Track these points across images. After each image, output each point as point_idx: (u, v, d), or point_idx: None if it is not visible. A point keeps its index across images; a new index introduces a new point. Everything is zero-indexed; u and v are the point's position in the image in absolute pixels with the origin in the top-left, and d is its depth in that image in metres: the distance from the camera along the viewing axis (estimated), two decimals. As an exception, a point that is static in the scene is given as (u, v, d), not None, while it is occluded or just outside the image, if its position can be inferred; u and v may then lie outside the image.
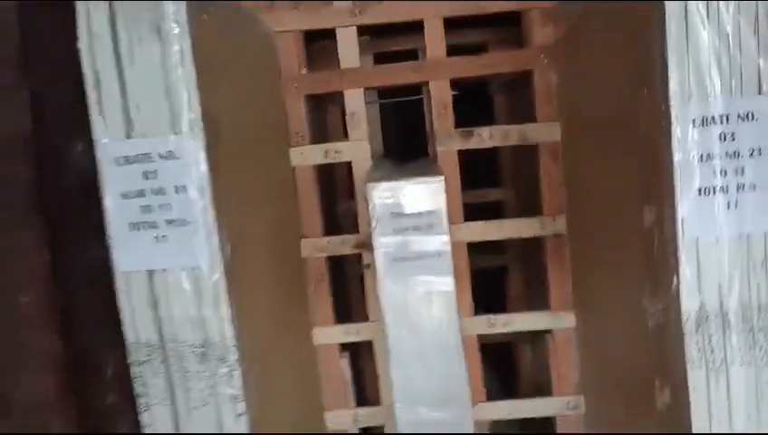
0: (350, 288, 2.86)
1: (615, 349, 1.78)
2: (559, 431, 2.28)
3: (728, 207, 1.21)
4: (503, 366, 3.08)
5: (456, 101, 2.15)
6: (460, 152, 2.12)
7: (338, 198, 2.93)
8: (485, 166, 3.04)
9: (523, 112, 2.30)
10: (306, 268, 2.17)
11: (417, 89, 2.52)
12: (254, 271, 1.51)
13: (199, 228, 1.26)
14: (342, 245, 2.16)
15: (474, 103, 2.72)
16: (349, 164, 2.16)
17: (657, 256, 1.32)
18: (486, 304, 2.33)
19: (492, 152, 3.01)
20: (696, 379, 1.27)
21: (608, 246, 1.72)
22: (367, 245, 2.12)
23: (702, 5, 1.14)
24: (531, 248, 2.77)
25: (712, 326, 1.24)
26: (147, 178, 1.26)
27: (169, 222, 1.27)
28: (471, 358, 2.14)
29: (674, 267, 1.23)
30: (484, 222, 2.16)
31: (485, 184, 3.05)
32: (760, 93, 1.19)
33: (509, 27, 2.28)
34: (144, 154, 1.25)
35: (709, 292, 1.24)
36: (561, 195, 2.10)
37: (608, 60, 1.52)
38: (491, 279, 2.92)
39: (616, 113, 1.51)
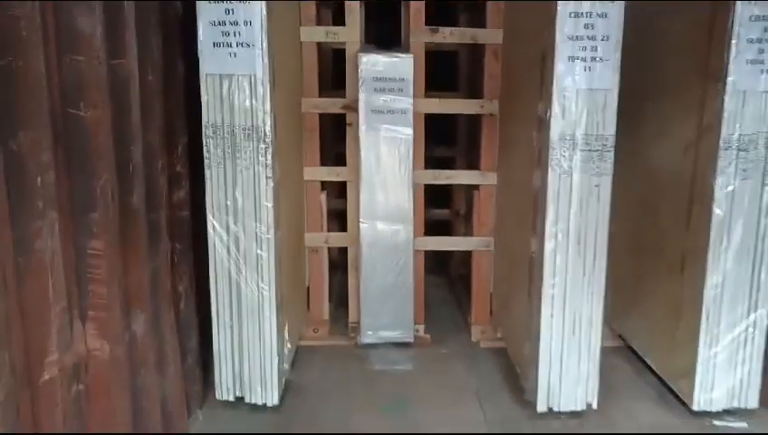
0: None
1: (515, 197, 2.57)
2: (474, 266, 3.09)
3: (585, 70, 2.00)
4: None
5: (431, 13, 2.85)
6: (430, 63, 2.84)
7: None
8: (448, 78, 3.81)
9: (476, 22, 3.02)
10: (304, 121, 2.87)
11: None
12: (284, 97, 2.24)
13: (258, 50, 1.98)
14: (333, 105, 2.88)
15: (443, 16, 3.43)
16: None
17: (542, 113, 2.10)
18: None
19: (454, 70, 3.79)
20: (553, 180, 2.08)
21: (518, 123, 2.50)
22: (351, 107, 2.84)
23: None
24: (467, 145, 3.58)
25: (566, 145, 2.05)
26: (227, 14, 1.97)
27: (239, 44, 1.98)
28: (418, 201, 2.92)
29: (549, 106, 2.02)
30: (439, 99, 2.91)
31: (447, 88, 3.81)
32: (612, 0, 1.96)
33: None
34: (226, -3, 1.95)
35: (567, 123, 2.03)
36: (497, 85, 2.86)
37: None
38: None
39: (532, 18, 2.26)
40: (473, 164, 3.23)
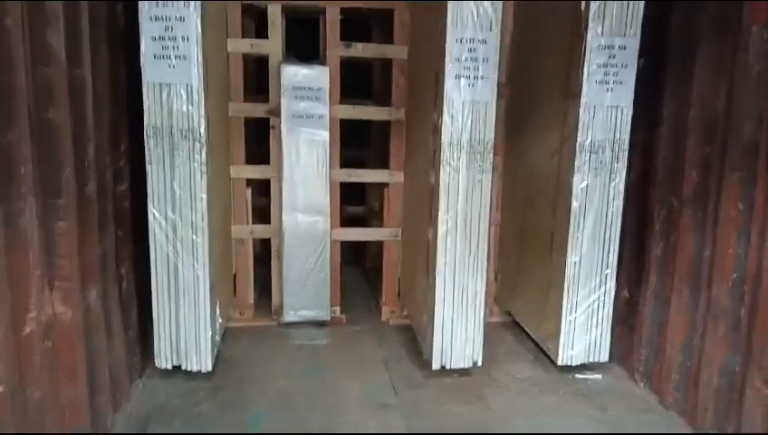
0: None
1: (416, 192, 3.00)
2: (384, 254, 3.51)
3: (469, 86, 2.44)
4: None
5: (344, 26, 3.23)
6: (347, 71, 3.22)
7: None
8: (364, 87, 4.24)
9: (387, 39, 3.44)
10: (231, 124, 3.19)
11: (316, 15, 3.58)
12: (214, 102, 2.56)
13: (194, 62, 2.31)
14: (257, 110, 3.22)
15: (358, 30, 3.83)
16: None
17: (436, 120, 2.53)
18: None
19: (370, 79, 4.21)
20: (444, 176, 2.50)
21: (420, 128, 2.93)
22: (274, 111, 3.19)
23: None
24: (380, 148, 4.00)
25: (454, 147, 2.48)
26: (166, 30, 2.28)
27: (177, 57, 2.30)
28: (334, 197, 3.30)
29: (441, 115, 2.45)
30: (353, 106, 3.30)
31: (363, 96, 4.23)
32: (491, 30, 2.41)
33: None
34: (167, 16, 2.26)
35: (455, 130, 2.48)
36: (403, 95, 3.28)
37: (432, 5, 2.67)
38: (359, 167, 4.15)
39: (429, 41, 2.69)
40: (384, 164, 3.64)
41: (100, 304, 2.11)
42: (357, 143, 4.41)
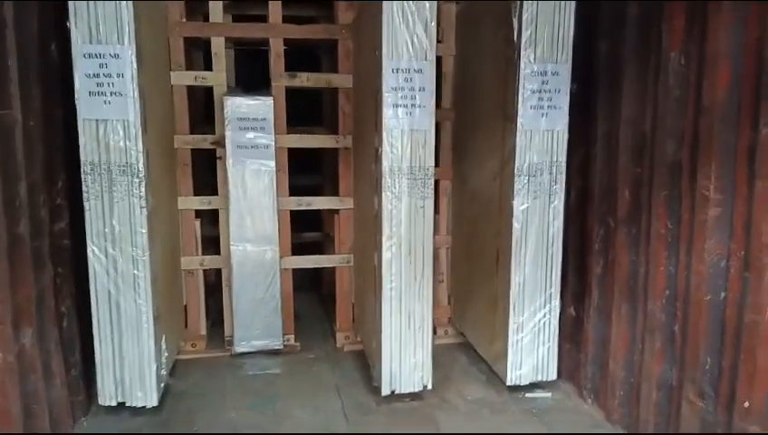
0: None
1: (364, 218, 3.03)
2: (337, 280, 3.51)
3: (407, 115, 2.49)
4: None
5: (295, 56, 3.27)
6: (299, 100, 3.25)
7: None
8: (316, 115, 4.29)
9: (334, 68, 3.48)
10: (177, 156, 3.19)
11: (264, 46, 3.61)
12: (155, 134, 2.56)
13: (130, 98, 2.31)
14: (203, 141, 3.22)
15: (307, 60, 3.87)
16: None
17: (377, 148, 2.56)
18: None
19: (320, 104, 4.26)
20: (386, 202, 2.54)
21: (365, 155, 2.96)
22: (220, 143, 3.20)
23: (398, 12, 2.39)
24: (333, 175, 4.03)
25: (395, 175, 2.52)
26: (101, 67, 2.29)
27: (112, 93, 2.30)
28: (284, 225, 3.30)
29: (381, 143, 2.49)
30: (299, 135, 3.33)
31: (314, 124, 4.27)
32: (426, 60, 2.46)
33: (329, 8, 3.45)
34: (101, 54, 2.27)
35: (395, 157, 2.51)
36: (350, 122, 3.32)
37: (370, 35, 2.72)
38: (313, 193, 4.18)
39: (371, 68, 2.73)
40: (337, 191, 3.67)
41: (37, 344, 2.08)
42: (312, 170, 4.44)
